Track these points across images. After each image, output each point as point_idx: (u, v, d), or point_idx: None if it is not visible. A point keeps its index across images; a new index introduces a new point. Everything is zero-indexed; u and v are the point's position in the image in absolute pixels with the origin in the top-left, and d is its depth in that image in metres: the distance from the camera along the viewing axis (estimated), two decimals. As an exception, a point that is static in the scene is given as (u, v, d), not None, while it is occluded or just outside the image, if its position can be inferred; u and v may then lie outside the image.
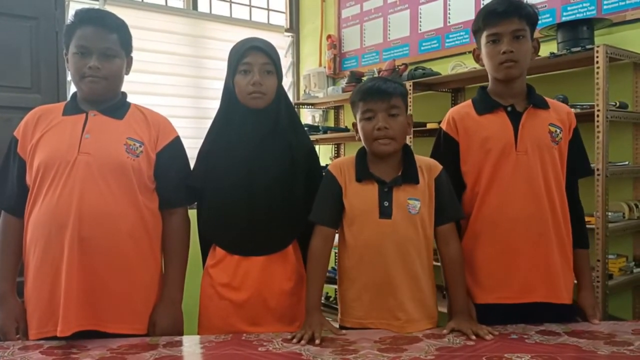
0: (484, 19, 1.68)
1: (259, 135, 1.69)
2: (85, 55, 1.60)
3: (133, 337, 1.50)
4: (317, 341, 1.45)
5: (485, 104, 1.72)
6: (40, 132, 1.63)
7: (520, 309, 1.64)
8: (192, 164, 1.79)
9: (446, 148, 1.76)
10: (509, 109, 1.69)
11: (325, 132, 3.87)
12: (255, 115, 1.69)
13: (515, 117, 1.67)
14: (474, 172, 1.70)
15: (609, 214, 2.43)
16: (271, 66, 1.68)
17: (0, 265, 1.64)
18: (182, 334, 1.64)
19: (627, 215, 2.56)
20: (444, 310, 1.69)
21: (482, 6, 1.80)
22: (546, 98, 1.74)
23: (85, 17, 1.63)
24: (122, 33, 1.67)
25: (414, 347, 1.39)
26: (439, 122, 3.07)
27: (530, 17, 1.66)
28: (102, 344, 1.44)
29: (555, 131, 1.67)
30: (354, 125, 1.71)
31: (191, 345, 1.48)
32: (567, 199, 1.70)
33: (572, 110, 1.78)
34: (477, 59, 1.76)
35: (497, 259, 1.65)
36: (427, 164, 1.68)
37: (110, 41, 1.63)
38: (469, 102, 1.78)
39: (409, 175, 1.64)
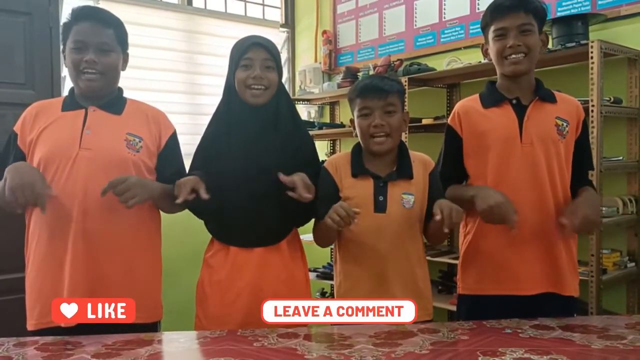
0: (491, 14, 1.69)
1: (257, 130, 1.70)
2: (82, 50, 1.63)
3: (128, 334, 1.50)
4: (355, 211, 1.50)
5: (491, 98, 1.74)
6: (40, 128, 1.65)
7: (525, 300, 1.65)
8: (187, 161, 1.79)
9: (450, 141, 1.79)
10: (514, 101, 1.69)
11: (320, 128, 3.86)
12: (255, 111, 1.70)
13: (520, 110, 1.69)
14: (479, 164, 1.72)
15: (603, 209, 2.44)
16: (272, 62, 1.70)
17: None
18: (130, 196, 1.54)
19: (621, 210, 2.57)
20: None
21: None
22: (555, 92, 1.75)
23: (81, 13, 1.67)
24: (118, 29, 1.69)
25: (408, 341, 1.39)
26: (435, 118, 3.12)
27: (538, 11, 1.67)
28: (97, 340, 1.44)
29: (562, 124, 1.68)
30: (352, 121, 1.72)
31: (186, 341, 1.47)
32: (578, 186, 1.70)
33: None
34: (485, 54, 1.77)
35: (503, 250, 1.67)
36: (421, 159, 1.70)
37: (107, 36, 1.66)
38: (476, 95, 1.79)
39: (404, 170, 1.65)
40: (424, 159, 1.72)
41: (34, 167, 1.58)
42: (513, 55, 1.64)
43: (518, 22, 1.64)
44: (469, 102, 1.79)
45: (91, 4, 3.29)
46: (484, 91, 1.78)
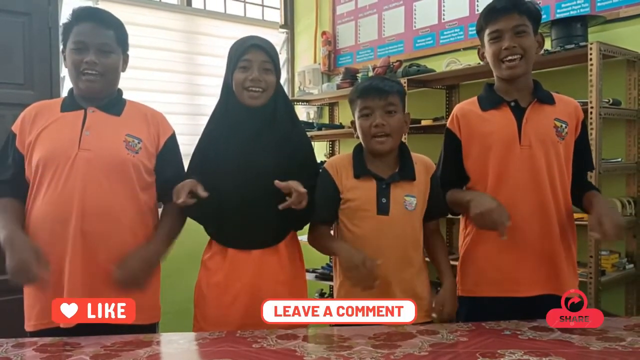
0: (485, 17, 1.69)
1: (255, 131, 1.70)
2: (82, 50, 1.63)
3: (127, 335, 1.50)
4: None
5: (489, 100, 1.74)
6: (39, 128, 1.65)
7: (524, 302, 1.65)
8: (186, 162, 1.79)
9: (449, 145, 1.79)
10: (513, 104, 1.70)
11: (319, 129, 3.87)
12: (252, 112, 1.70)
13: (518, 112, 1.69)
14: (478, 167, 1.72)
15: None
16: (270, 64, 1.70)
17: (1, 218, 1.60)
18: (141, 285, 1.61)
19: (619, 212, 2.57)
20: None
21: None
22: (553, 93, 1.75)
23: (82, 14, 1.67)
24: (118, 30, 1.70)
25: (407, 343, 1.39)
26: (434, 119, 3.12)
27: (531, 12, 1.67)
28: (95, 341, 1.44)
29: (561, 126, 1.68)
30: (352, 122, 1.72)
31: (185, 342, 1.47)
32: (579, 187, 1.71)
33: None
34: (482, 57, 1.77)
35: (503, 252, 1.67)
36: (423, 161, 1.70)
37: (107, 37, 1.66)
38: (475, 98, 1.79)
39: (406, 172, 1.66)
40: (425, 161, 1.72)
41: (30, 244, 1.53)
42: (509, 57, 1.64)
43: (512, 23, 1.64)
44: (467, 105, 1.79)
45: (90, 4, 3.29)
46: (482, 94, 1.78)
